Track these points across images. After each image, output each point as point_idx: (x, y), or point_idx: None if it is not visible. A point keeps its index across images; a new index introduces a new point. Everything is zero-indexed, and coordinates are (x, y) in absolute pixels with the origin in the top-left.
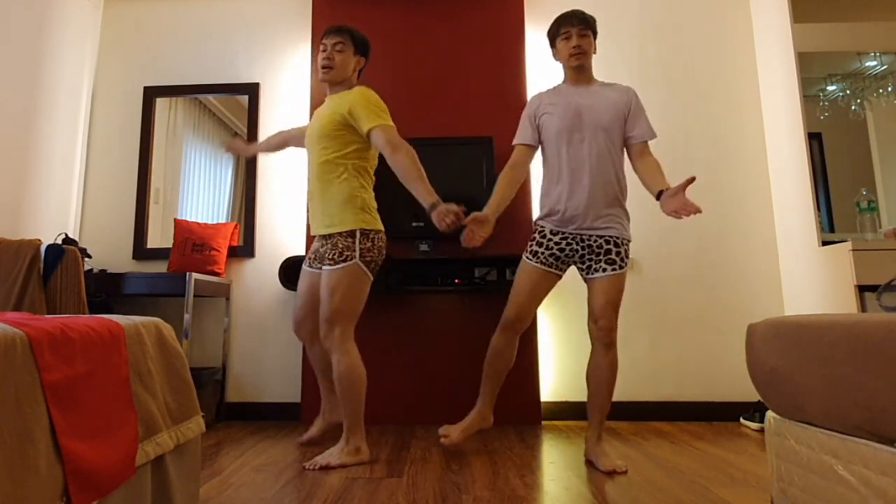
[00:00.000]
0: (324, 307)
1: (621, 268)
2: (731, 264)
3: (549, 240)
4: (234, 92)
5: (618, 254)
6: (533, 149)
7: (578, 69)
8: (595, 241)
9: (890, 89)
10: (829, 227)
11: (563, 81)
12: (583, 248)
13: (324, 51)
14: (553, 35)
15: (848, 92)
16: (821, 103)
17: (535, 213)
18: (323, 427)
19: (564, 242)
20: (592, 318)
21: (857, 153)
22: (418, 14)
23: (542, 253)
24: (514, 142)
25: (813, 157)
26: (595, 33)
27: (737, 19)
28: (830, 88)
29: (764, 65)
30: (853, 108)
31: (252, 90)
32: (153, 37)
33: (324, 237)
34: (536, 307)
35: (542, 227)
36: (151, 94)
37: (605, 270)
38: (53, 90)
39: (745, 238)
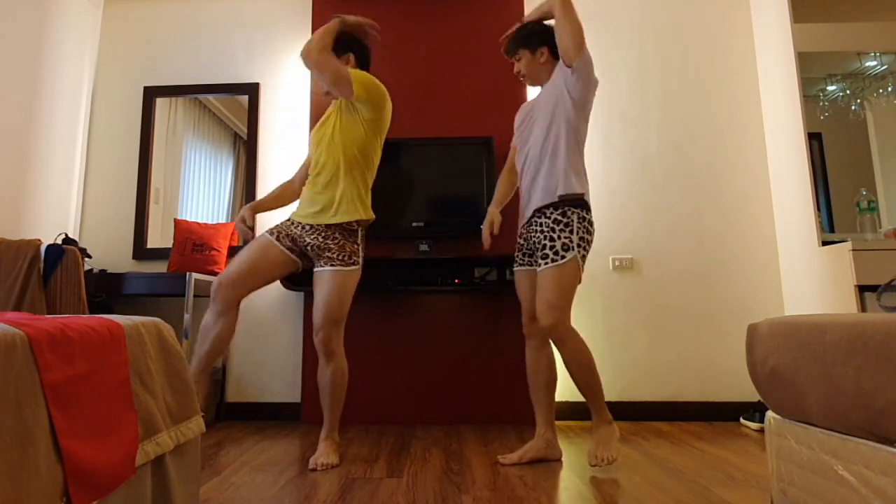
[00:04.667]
0: (331, 310)
1: (553, 261)
2: (731, 264)
3: (519, 237)
4: (234, 92)
5: (552, 247)
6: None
7: (534, 87)
8: (534, 226)
9: (890, 89)
10: (829, 227)
11: None
12: (531, 241)
13: None
14: None
15: (848, 92)
16: (821, 103)
17: None
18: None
19: (525, 237)
20: None
21: (857, 153)
22: (418, 14)
23: (518, 255)
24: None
25: (813, 157)
26: (532, 43)
27: (737, 19)
28: (830, 88)
29: (764, 65)
30: (853, 108)
31: (252, 90)
32: (153, 37)
33: (327, 227)
34: None
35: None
36: (151, 94)
37: (539, 266)
38: (53, 90)
39: (745, 238)
